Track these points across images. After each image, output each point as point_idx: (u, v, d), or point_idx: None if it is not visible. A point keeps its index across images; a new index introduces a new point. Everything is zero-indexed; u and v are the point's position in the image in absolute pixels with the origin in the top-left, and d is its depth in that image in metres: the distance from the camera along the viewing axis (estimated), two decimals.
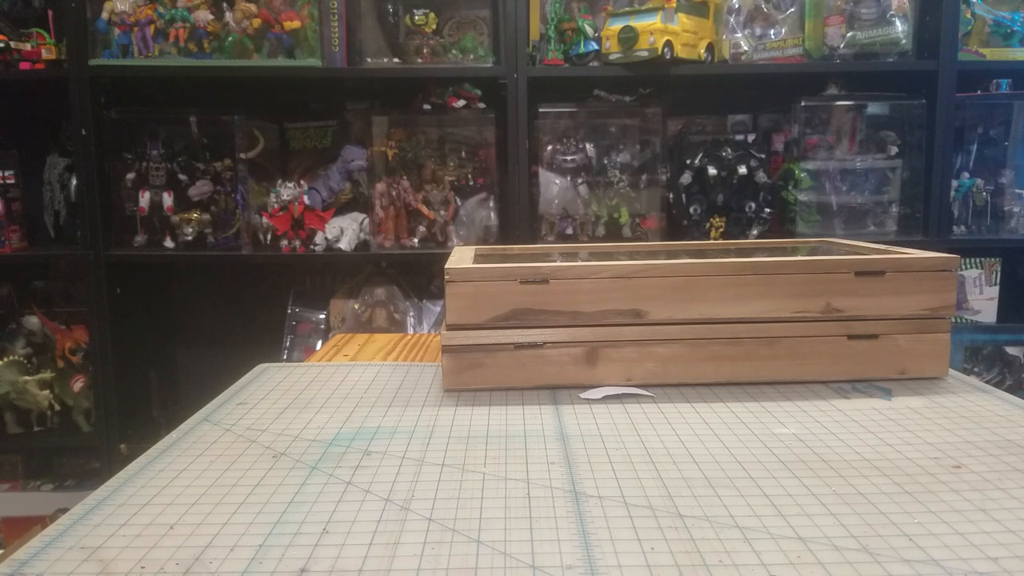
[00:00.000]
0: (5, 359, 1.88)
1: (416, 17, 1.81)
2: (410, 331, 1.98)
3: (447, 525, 0.49)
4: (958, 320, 1.93)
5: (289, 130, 2.04)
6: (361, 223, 1.88)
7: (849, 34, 1.80)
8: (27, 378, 1.89)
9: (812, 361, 0.77)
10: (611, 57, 1.76)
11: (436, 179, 1.88)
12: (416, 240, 1.86)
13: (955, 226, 1.89)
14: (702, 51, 1.78)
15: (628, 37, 1.72)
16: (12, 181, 1.87)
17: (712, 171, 1.80)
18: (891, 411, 0.70)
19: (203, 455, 0.61)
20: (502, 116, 1.82)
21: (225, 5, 1.77)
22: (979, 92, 1.87)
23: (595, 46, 1.79)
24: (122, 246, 1.86)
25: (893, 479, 0.55)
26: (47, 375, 1.92)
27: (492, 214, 1.89)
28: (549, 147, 1.88)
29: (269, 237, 1.85)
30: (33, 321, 1.96)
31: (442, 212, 1.86)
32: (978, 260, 1.94)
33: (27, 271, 2.04)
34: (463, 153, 1.91)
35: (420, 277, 2.06)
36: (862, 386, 0.77)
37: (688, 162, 1.83)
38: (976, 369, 1.94)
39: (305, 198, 1.83)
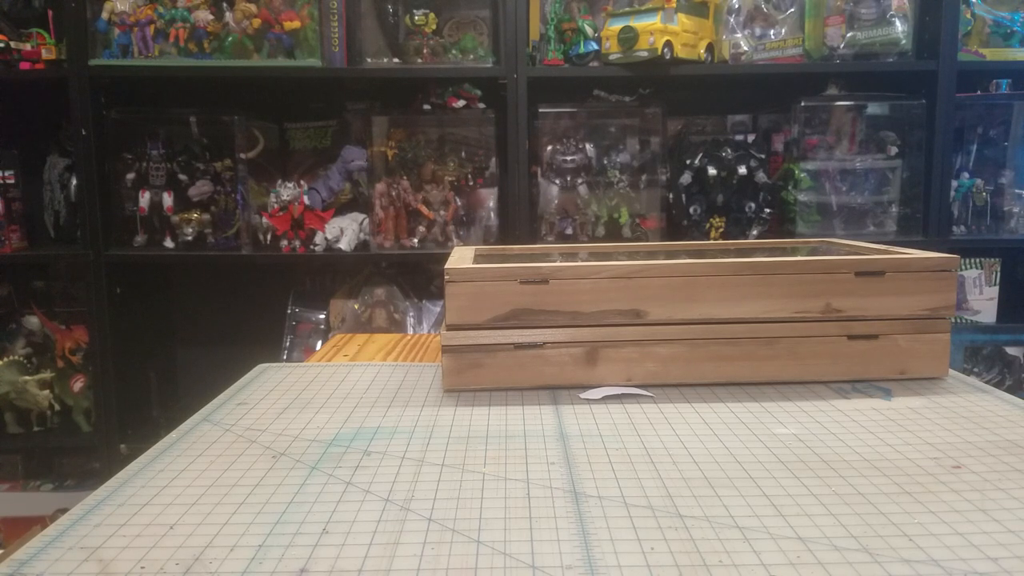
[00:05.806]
0: (5, 359, 1.88)
1: (416, 17, 1.81)
2: (410, 331, 1.98)
3: (447, 525, 0.49)
4: (958, 320, 1.93)
5: (289, 130, 2.05)
6: (361, 223, 1.88)
7: (849, 34, 1.80)
8: (27, 378, 1.89)
9: (812, 361, 0.77)
10: (611, 57, 1.76)
11: (436, 179, 1.88)
12: (416, 240, 1.86)
13: (955, 226, 1.89)
14: (702, 51, 1.78)
15: (628, 37, 1.72)
16: (12, 181, 1.87)
17: (712, 171, 1.80)
18: (891, 411, 0.70)
19: (203, 455, 0.61)
20: (502, 116, 1.82)
21: (225, 5, 1.77)
22: (979, 92, 1.87)
23: (595, 46, 1.79)
24: (122, 246, 1.86)
25: (893, 479, 0.55)
26: (47, 375, 1.92)
27: (492, 214, 1.89)
28: (549, 147, 1.88)
29: (269, 237, 1.85)
30: (33, 321, 1.96)
31: (442, 212, 1.86)
32: (978, 260, 1.94)
33: (27, 271, 2.04)
34: (463, 153, 1.91)
35: (420, 277, 2.06)
36: (862, 386, 0.77)
37: (688, 162, 1.83)
38: (976, 369, 1.94)
39: (305, 198, 1.83)
